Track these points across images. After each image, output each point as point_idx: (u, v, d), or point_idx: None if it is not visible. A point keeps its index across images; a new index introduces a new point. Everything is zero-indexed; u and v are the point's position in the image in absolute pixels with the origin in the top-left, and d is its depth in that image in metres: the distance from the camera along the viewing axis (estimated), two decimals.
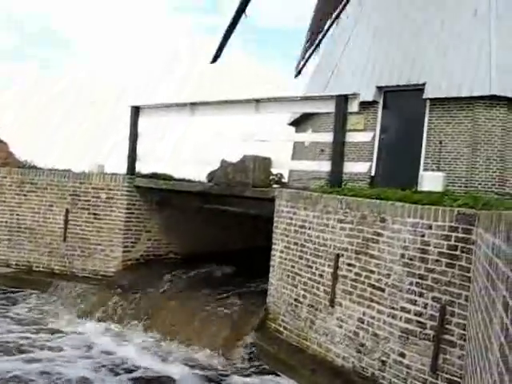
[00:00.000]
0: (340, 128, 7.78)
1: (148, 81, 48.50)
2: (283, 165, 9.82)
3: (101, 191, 10.25)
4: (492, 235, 3.22)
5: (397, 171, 13.81)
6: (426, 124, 14.24)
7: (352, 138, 8.51)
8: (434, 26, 14.59)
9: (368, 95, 14.55)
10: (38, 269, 10.59)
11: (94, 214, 10.27)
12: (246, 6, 19.40)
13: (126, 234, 10.14)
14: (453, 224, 4.88)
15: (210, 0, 51.67)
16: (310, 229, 6.92)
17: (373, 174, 14.57)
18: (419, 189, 7.08)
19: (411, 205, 5.39)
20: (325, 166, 8.53)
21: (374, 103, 14.86)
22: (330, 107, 8.06)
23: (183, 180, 10.41)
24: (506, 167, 13.60)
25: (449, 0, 14.67)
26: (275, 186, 8.89)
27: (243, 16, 19.54)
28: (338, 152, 7.84)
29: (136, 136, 10.49)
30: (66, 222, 10.37)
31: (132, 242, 10.22)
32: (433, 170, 13.52)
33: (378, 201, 5.89)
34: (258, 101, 8.93)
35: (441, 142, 13.87)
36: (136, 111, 10.49)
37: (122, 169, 10.56)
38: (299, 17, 49.46)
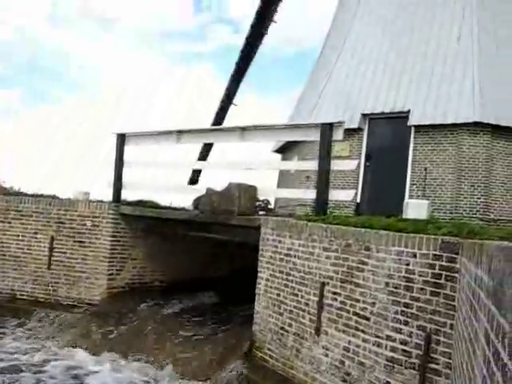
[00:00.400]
0: (325, 156, 7.80)
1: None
2: (269, 192, 9.85)
3: (86, 219, 10.21)
4: (475, 266, 3.23)
5: (382, 198, 13.87)
6: (410, 151, 14.33)
7: (337, 166, 8.54)
8: (417, 54, 14.78)
9: (353, 122, 14.65)
10: (21, 297, 10.48)
11: (80, 241, 10.21)
12: (233, 96, 20.21)
13: (112, 261, 10.09)
14: (437, 252, 4.88)
15: (197, 28, 52.01)
16: (295, 257, 6.92)
17: (358, 200, 14.63)
18: (404, 216, 7.09)
19: (395, 233, 5.40)
20: (310, 194, 8.56)
21: (359, 130, 14.96)
22: (315, 135, 8.07)
23: (169, 207, 10.41)
24: (491, 193, 13.69)
25: (432, 28, 14.87)
26: (261, 212, 8.90)
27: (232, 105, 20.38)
28: (323, 180, 7.85)
29: (122, 163, 10.48)
30: (51, 249, 10.31)
31: (117, 270, 10.17)
32: (418, 196, 13.58)
33: (362, 229, 5.90)
34: (243, 129, 8.96)
35: (426, 169, 13.96)
36: (121, 139, 10.49)
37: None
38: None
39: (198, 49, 53.64)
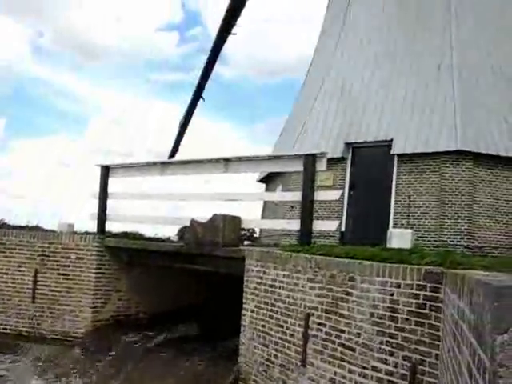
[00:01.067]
0: (309, 187, 7.83)
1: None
2: (253, 223, 9.85)
3: (70, 251, 10.13)
4: (457, 297, 3.24)
5: (367, 226, 13.92)
6: (394, 179, 14.42)
7: (321, 196, 8.58)
8: (399, 82, 14.94)
9: (336, 152, 14.73)
10: (4, 331, 10.33)
11: (64, 274, 10.13)
12: (201, 92, 20.31)
13: (96, 294, 10.01)
14: (421, 282, 4.88)
15: (181, 58, 52.31)
16: (280, 288, 6.90)
17: (343, 229, 14.65)
18: (388, 245, 7.12)
19: (379, 263, 5.40)
20: (294, 225, 8.56)
21: (342, 159, 15.05)
22: (298, 166, 8.11)
23: (153, 239, 10.37)
24: (474, 221, 13.77)
25: (413, 57, 15.05)
26: (246, 242, 8.88)
27: (200, 100, 20.45)
28: (307, 210, 7.88)
29: (106, 195, 10.46)
30: (35, 282, 10.21)
31: (102, 303, 10.08)
32: (402, 224, 13.63)
33: (346, 260, 5.91)
34: (227, 160, 8.98)
35: (409, 197, 14.04)
36: (105, 170, 10.48)
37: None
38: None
39: (181, 78, 54.06)
